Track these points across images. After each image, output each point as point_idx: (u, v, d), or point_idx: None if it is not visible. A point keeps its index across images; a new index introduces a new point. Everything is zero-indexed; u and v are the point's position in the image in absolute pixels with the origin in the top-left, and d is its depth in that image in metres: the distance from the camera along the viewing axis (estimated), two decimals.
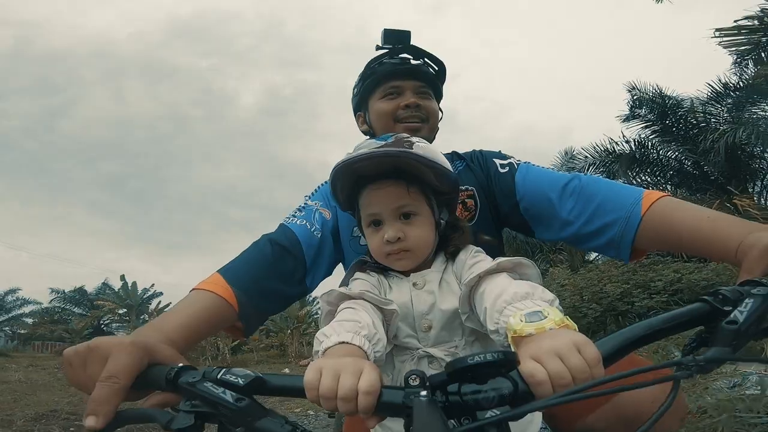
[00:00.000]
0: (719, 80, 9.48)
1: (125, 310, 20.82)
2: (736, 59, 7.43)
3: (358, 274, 0.81)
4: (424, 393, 0.41)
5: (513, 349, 0.52)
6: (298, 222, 0.99)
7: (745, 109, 9.53)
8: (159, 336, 0.67)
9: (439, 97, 1.17)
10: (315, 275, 0.98)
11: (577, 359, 0.43)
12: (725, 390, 2.42)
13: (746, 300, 0.47)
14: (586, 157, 10.83)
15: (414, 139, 0.78)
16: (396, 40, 1.14)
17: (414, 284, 0.77)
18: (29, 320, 23.99)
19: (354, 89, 1.20)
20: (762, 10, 6.61)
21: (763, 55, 6.86)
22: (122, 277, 21.49)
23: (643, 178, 10.57)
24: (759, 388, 2.25)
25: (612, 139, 10.65)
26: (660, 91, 10.08)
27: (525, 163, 1.04)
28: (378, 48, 1.15)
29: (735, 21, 6.81)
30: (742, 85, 9.15)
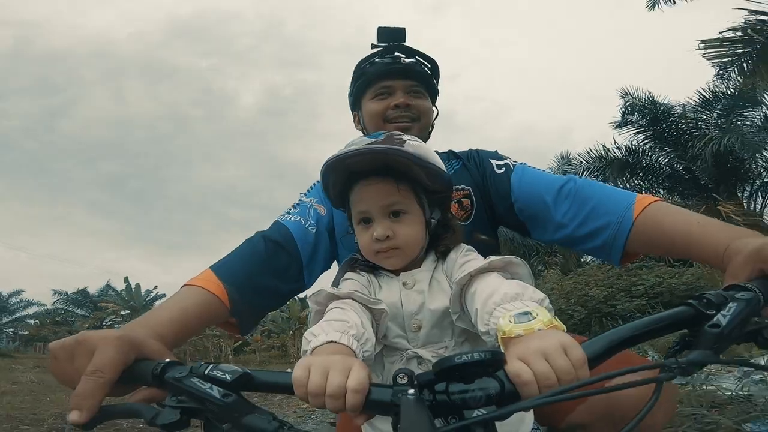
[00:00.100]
0: (708, 88, 9.67)
1: (128, 311, 20.78)
2: (718, 71, 7.56)
3: (348, 274, 0.81)
4: (411, 391, 0.41)
5: (503, 350, 0.52)
6: (292, 218, 0.98)
7: (733, 117, 9.72)
8: (147, 331, 0.66)
9: (433, 95, 1.16)
10: (311, 271, 0.98)
11: (563, 360, 0.44)
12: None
13: (730, 304, 0.48)
14: (581, 162, 11.02)
15: (406, 136, 0.78)
16: (391, 37, 1.13)
17: (404, 284, 0.77)
18: (30, 321, 23.86)
19: (348, 89, 1.19)
20: (746, 22, 6.69)
21: (745, 66, 6.96)
22: (126, 279, 21.82)
23: (636, 182, 10.76)
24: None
25: (605, 146, 10.93)
26: (652, 98, 10.32)
27: (521, 164, 1.04)
28: (373, 46, 1.14)
29: (720, 32, 6.91)
30: (730, 93, 9.31)
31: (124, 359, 0.55)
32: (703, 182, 10.36)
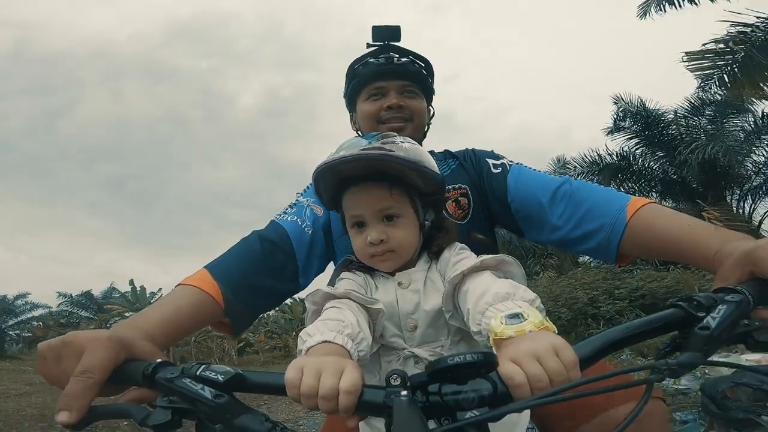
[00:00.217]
0: (698, 96, 9.81)
1: (133, 313, 20.54)
2: (700, 84, 7.65)
3: (344, 274, 0.81)
4: (404, 393, 0.41)
5: (495, 351, 0.53)
6: (288, 218, 0.98)
7: (723, 122, 9.90)
8: (137, 332, 0.65)
9: (428, 95, 1.15)
10: (308, 271, 0.97)
11: (555, 362, 0.44)
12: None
13: (719, 306, 0.48)
14: (575, 167, 11.21)
15: (399, 138, 0.78)
16: (386, 36, 1.12)
17: (399, 284, 0.77)
18: (35, 324, 23.68)
19: (343, 91, 1.19)
20: (728, 34, 6.73)
21: (726, 77, 7.03)
22: (131, 282, 21.72)
23: (629, 185, 10.95)
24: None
25: (597, 152, 11.21)
26: (644, 104, 10.55)
27: (517, 164, 1.04)
28: (368, 45, 1.13)
29: (703, 44, 6.96)
30: (717, 99, 9.46)
31: (114, 359, 0.55)
32: (693, 186, 10.54)
